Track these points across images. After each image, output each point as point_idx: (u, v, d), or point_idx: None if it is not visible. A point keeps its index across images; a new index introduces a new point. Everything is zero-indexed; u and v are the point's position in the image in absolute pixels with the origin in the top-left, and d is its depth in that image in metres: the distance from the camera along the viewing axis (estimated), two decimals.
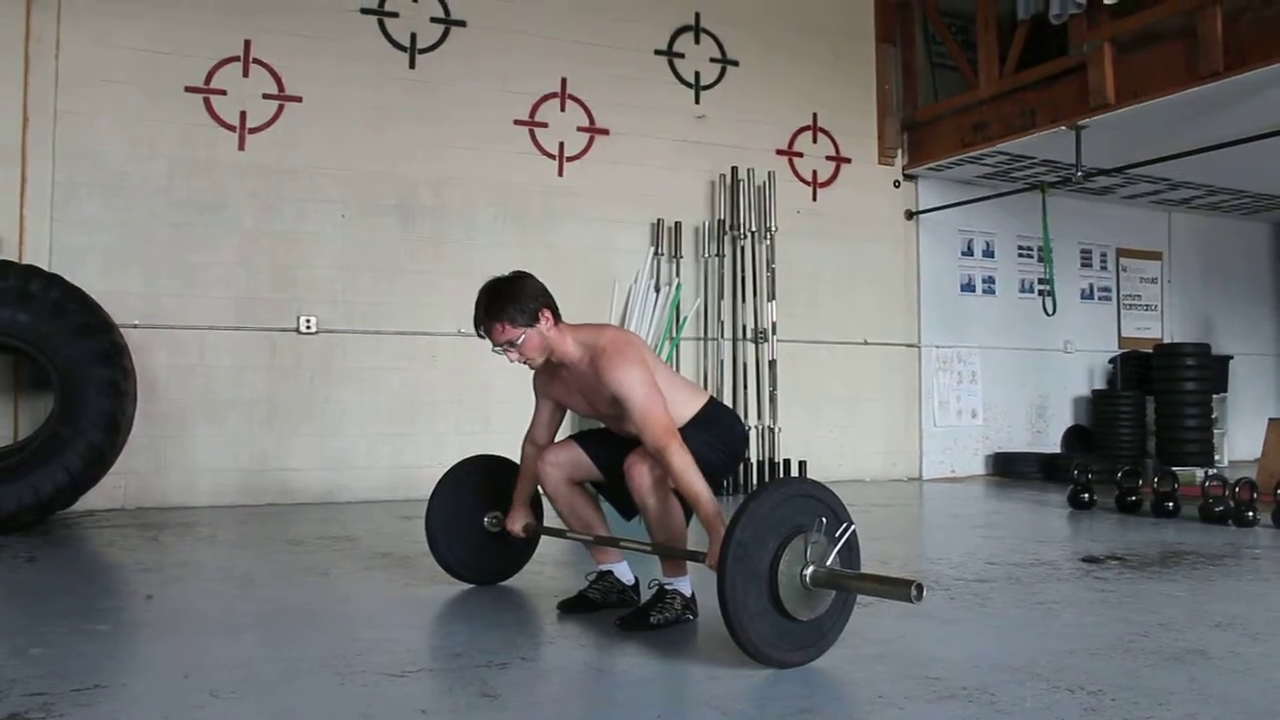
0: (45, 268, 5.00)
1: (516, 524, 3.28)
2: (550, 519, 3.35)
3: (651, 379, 2.77)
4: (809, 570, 2.46)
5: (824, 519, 2.52)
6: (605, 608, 3.08)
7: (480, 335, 2.87)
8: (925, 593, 2.35)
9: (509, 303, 2.79)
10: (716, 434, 2.96)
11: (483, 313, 2.82)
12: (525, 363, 2.91)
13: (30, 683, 2.28)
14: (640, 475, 2.80)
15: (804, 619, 2.47)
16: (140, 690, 2.31)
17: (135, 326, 5.35)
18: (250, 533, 4.73)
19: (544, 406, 3.18)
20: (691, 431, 2.84)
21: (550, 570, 3.74)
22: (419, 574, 3.65)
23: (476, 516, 3.38)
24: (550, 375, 3.05)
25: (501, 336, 2.81)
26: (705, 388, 6.80)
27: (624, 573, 3.18)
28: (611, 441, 3.07)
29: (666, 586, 2.94)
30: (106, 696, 2.22)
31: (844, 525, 2.57)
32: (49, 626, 2.82)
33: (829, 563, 2.49)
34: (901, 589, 2.36)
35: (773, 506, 2.46)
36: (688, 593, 2.96)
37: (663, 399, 2.76)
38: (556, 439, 3.22)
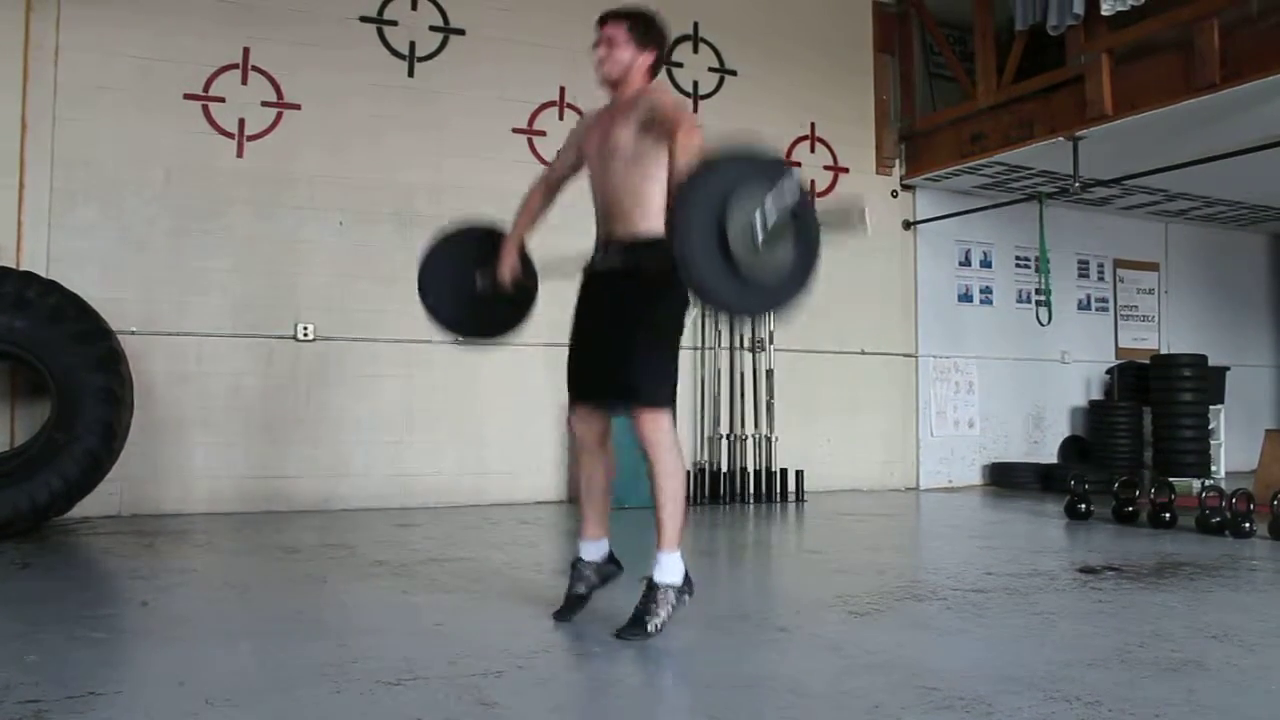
0: (43, 274, 5.00)
1: (506, 265, 3.31)
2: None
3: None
4: (759, 220, 2.48)
5: (768, 181, 2.53)
6: (596, 590, 3.07)
7: (597, 26, 3.04)
8: (870, 219, 2.52)
9: (643, 21, 3.01)
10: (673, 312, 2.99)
11: (619, 8, 3.02)
12: (602, 64, 3.02)
13: (24, 689, 2.27)
14: (654, 429, 2.85)
15: (767, 273, 2.52)
16: (135, 697, 2.31)
17: (133, 333, 5.34)
18: (246, 540, 4.72)
19: (570, 152, 3.28)
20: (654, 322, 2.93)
21: (548, 579, 3.73)
22: (415, 582, 3.65)
23: (469, 273, 3.41)
24: (593, 122, 3.16)
25: (612, 33, 3.00)
26: (703, 396, 6.82)
27: (598, 550, 3.12)
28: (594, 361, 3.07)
29: (657, 582, 2.88)
30: (101, 704, 2.21)
31: (786, 173, 2.58)
32: (44, 633, 2.81)
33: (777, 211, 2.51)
34: (846, 216, 2.50)
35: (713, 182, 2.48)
36: (678, 580, 2.90)
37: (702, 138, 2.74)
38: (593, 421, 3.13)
